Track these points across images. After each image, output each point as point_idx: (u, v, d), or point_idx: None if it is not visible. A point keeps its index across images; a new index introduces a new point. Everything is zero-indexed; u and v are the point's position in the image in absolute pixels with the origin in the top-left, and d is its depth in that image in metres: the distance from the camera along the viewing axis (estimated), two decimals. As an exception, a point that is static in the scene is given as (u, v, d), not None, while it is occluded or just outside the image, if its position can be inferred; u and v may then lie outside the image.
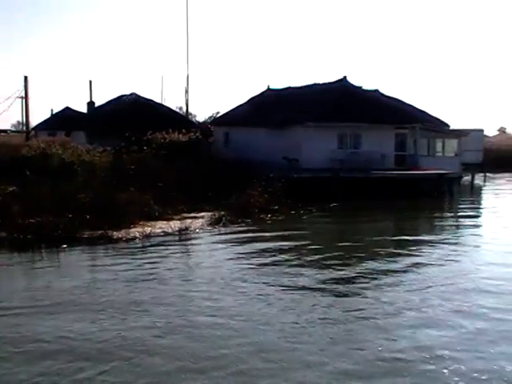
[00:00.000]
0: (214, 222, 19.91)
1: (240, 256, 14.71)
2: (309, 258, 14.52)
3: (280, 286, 11.60)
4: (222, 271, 12.89)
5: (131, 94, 43.11)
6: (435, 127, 37.41)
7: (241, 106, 41.57)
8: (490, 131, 79.58)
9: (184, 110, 51.32)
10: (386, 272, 13.09)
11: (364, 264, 13.93)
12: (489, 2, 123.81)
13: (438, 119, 39.17)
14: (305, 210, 23.92)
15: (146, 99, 43.17)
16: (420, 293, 11.24)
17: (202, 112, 69.19)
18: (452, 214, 26.23)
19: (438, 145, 37.23)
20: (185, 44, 43.55)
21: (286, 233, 18.89)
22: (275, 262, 14.07)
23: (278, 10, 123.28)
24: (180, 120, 42.50)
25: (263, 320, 9.44)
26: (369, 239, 18.40)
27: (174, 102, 57.92)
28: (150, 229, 17.82)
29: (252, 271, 12.95)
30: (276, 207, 23.17)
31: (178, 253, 15.36)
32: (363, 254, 15.31)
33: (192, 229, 18.43)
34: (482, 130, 47.13)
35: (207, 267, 13.43)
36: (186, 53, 42.18)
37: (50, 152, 24.93)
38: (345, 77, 35.06)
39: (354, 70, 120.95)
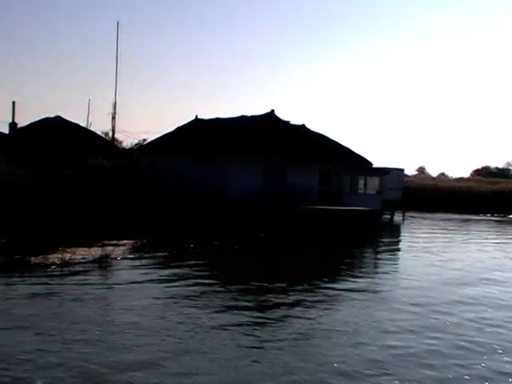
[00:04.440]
0: (136, 250, 19.60)
1: (156, 284, 14.50)
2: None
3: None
4: (140, 303, 12.64)
5: (56, 117, 42.21)
6: (358, 164, 38.35)
7: (168, 134, 41.41)
8: (410, 170, 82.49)
9: (110, 135, 50.59)
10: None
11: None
12: (409, 42, 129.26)
13: (361, 157, 40.04)
14: (226, 241, 23.92)
15: (71, 123, 42.35)
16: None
17: (128, 138, 68.36)
18: (370, 254, 26.61)
19: (361, 182, 38.18)
20: (113, 69, 42.97)
21: (201, 262, 18.83)
22: (193, 291, 13.97)
23: (208, 40, 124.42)
24: (105, 146, 41.94)
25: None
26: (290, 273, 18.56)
27: (100, 127, 57.26)
28: (69, 255, 17.33)
29: (169, 300, 12.77)
30: (200, 237, 23.09)
31: (94, 280, 14.95)
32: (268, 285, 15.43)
33: (113, 256, 18.05)
34: (402, 169, 48.68)
35: (124, 299, 13.16)
36: (115, 79, 41.54)
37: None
38: (272, 110, 35.59)
39: (282, 104, 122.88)
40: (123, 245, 20.33)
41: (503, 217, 54.10)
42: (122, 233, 21.88)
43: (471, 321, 12.14)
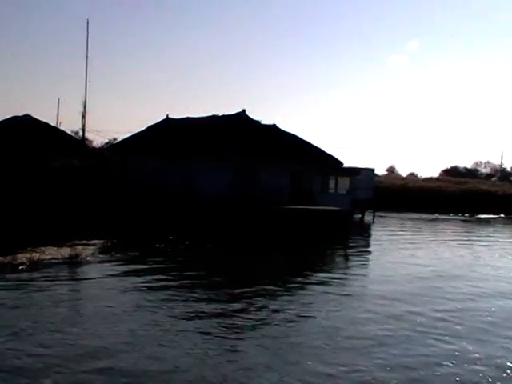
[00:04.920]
0: (106, 250, 19.51)
1: (125, 284, 14.45)
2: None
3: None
4: (110, 302, 12.60)
5: (24, 116, 41.75)
6: (329, 164, 38.62)
7: (139, 133, 41.21)
8: (380, 170, 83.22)
9: (81, 134, 50.19)
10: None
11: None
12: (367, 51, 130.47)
13: (332, 157, 40.35)
14: (197, 241, 23.95)
15: (40, 122, 41.93)
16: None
17: (99, 138, 67.75)
18: (341, 253, 26.74)
19: (331, 182, 38.48)
20: (84, 67, 42.61)
21: (171, 262, 18.84)
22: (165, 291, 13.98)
23: (179, 39, 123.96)
24: (76, 145, 41.60)
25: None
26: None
27: (70, 127, 56.41)
28: (38, 255, 17.18)
29: (139, 298, 12.76)
30: (171, 237, 23.10)
31: (62, 279, 14.85)
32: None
33: (83, 256, 17.93)
34: (372, 169, 49.11)
35: (92, 296, 13.11)
36: (85, 77, 41.24)
37: None
38: (244, 110, 35.70)
39: (253, 103, 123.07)
40: (93, 244, 20.23)
41: (471, 216, 54.94)
42: (92, 232, 21.78)
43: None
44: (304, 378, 8.27)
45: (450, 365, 9.13)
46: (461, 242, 30.94)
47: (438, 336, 10.77)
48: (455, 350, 9.90)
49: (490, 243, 30.93)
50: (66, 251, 17.91)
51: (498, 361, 9.42)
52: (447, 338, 10.68)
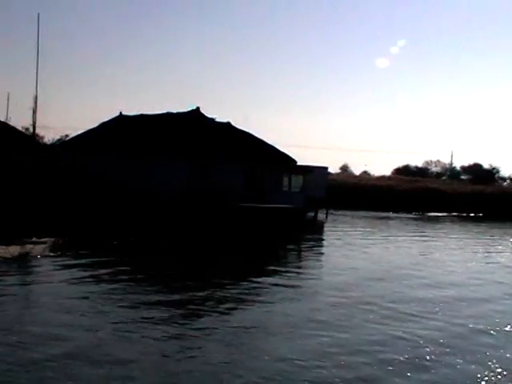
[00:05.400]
0: (57, 248, 19.19)
1: (75, 281, 14.25)
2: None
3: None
4: (59, 300, 12.40)
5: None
6: (283, 163, 38.86)
7: (91, 130, 40.60)
8: (334, 169, 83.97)
9: (31, 130, 49.11)
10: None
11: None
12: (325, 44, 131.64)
13: (286, 155, 40.68)
14: (150, 239, 23.81)
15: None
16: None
17: (50, 134, 66.47)
18: (294, 251, 26.98)
19: (285, 180, 38.68)
20: (34, 62, 41.63)
21: (123, 259, 18.69)
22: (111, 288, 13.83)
23: (133, 35, 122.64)
24: (26, 141, 40.73)
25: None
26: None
27: (20, 122, 54.98)
28: (-15, 253, 16.81)
29: (89, 296, 12.60)
30: (122, 234, 22.93)
31: (11, 278, 14.55)
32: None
33: (33, 254, 17.61)
34: (326, 167, 49.47)
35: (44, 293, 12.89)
36: (36, 72, 40.35)
37: None
38: (198, 107, 35.57)
39: (208, 101, 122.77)
40: (43, 242, 19.88)
41: (421, 215, 56.07)
42: (43, 230, 21.42)
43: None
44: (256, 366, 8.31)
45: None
46: (410, 239, 31.64)
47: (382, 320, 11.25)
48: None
49: (437, 239, 31.90)
50: (15, 249, 17.57)
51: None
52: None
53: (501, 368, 8.87)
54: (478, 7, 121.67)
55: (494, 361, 9.21)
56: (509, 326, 11.72)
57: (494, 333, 11.13)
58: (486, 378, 8.42)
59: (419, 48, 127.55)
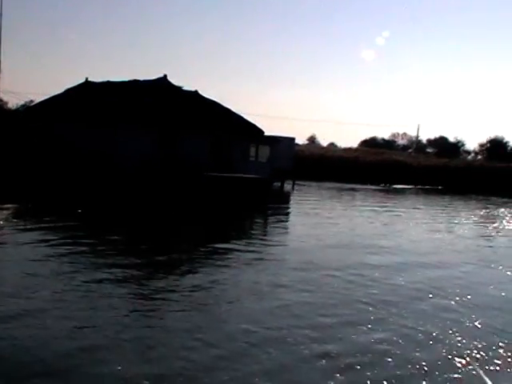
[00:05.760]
0: (20, 214, 19.10)
1: (38, 248, 14.25)
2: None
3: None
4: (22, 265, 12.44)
5: None
6: (250, 133, 38.91)
7: (57, 96, 40.00)
8: (301, 140, 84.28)
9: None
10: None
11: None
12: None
13: (253, 125, 40.72)
14: (115, 208, 23.79)
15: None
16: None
17: (14, 100, 65.41)
18: (261, 220, 27.22)
19: (252, 150, 38.78)
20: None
21: (86, 226, 18.70)
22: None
23: (101, 1, 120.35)
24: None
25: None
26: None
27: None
28: None
29: (52, 263, 12.64)
30: (89, 202, 22.89)
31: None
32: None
33: (-5, 220, 17.51)
34: (293, 138, 49.71)
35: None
36: (-1, 36, 39.38)
37: None
38: (165, 75, 35.30)
39: (175, 69, 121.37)
40: (6, 209, 19.74)
41: (386, 186, 56.82)
42: (6, 197, 21.28)
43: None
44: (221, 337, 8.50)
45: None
46: (372, 209, 32.18)
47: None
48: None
49: (400, 210, 32.59)
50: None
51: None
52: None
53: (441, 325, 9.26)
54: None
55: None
56: (454, 289, 12.22)
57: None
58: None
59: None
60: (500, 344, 8.67)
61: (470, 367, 7.67)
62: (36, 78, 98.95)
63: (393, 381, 7.10)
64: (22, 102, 52.05)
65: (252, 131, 39.28)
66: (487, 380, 7.22)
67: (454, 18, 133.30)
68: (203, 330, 8.65)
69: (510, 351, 8.36)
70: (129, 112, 32.19)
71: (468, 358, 7.97)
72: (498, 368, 7.73)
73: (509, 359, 8.07)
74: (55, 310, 9.12)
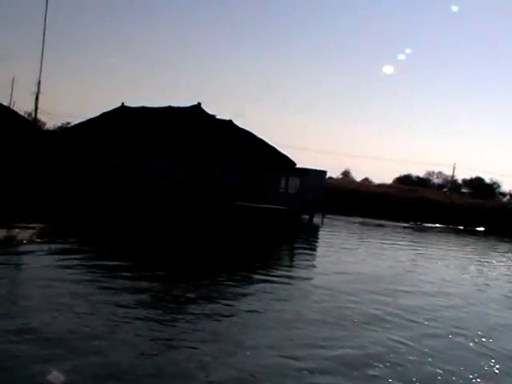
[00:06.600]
0: (45, 234, 19.28)
1: (61, 269, 14.30)
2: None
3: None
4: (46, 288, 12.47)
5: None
6: (281, 164, 38.94)
7: (94, 119, 40.71)
8: (335, 173, 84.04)
9: (33, 116, 49.25)
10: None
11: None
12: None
13: (285, 156, 40.77)
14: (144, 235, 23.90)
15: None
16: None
17: (52, 121, 66.56)
18: (290, 251, 27.03)
19: (282, 181, 38.75)
20: (40, 46, 41.46)
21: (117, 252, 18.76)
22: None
23: (139, 27, 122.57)
24: (28, 126, 40.89)
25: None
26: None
27: (23, 107, 54.75)
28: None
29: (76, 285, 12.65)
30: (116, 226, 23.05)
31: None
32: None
33: (19, 239, 17.66)
34: (324, 171, 49.53)
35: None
36: (41, 56, 40.22)
37: None
38: (199, 103, 35.62)
39: (209, 97, 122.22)
40: (32, 228, 19.94)
41: (415, 224, 56.08)
42: (35, 216, 21.52)
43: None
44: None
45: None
46: (397, 245, 31.85)
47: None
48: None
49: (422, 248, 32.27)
50: (1, 233, 17.61)
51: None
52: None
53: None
54: (482, 16, 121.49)
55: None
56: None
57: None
58: None
59: (425, 56, 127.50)
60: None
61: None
62: (74, 100, 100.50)
63: None
64: (59, 124, 53.14)
65: (283, 162, 39.31)
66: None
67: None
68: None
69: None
70: (161, 139, 32.52)
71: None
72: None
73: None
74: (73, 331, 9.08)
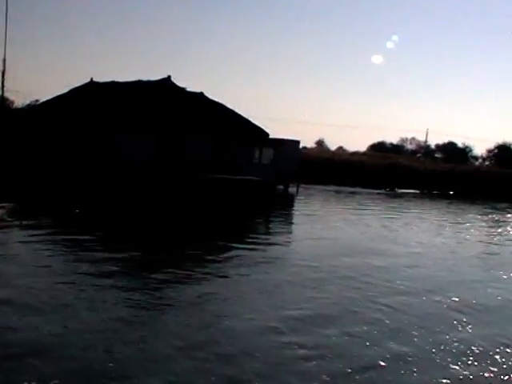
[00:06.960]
0: (16, 213, 19.02)
1: (34, 247, 14.17)
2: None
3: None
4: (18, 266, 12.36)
5: None
6: (254, 135, 38.75)
7: (62, 96, 40.03)
8: (309, 143, 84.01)
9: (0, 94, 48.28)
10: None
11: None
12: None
13: (258, 127, 40.55)
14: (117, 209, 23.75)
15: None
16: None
17: (20, 99, 65.19)
18: (265, 221, 27.12)
19: (256, 152, 38.62)
20: (3, 24, 40.52)
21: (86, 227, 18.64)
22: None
23: (107, 2, 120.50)
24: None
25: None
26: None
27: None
28: None
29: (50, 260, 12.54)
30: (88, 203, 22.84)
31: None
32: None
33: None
34: (298, 141, 49.32)
35: None
36: (5, 34, 39.32)
37: None
38: (169, 76, 35.20)
39: (179, 70, 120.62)
40: (2, 207, 19.65)
41: (391, 190, 56.47)
42: (5, 196, 21.20)
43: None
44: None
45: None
46: (373, 212, 32.10)
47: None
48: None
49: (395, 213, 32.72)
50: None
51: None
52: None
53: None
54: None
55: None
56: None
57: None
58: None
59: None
60: None
61: None
62: (41, 77, 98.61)
63: None
64: (27, 101, 52.07)
65: (256, 133, 39.14)
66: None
67: (466, 24, 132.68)
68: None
69: None
70: (132, 113, 32.13)
71: None
72: None
73: None
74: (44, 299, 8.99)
